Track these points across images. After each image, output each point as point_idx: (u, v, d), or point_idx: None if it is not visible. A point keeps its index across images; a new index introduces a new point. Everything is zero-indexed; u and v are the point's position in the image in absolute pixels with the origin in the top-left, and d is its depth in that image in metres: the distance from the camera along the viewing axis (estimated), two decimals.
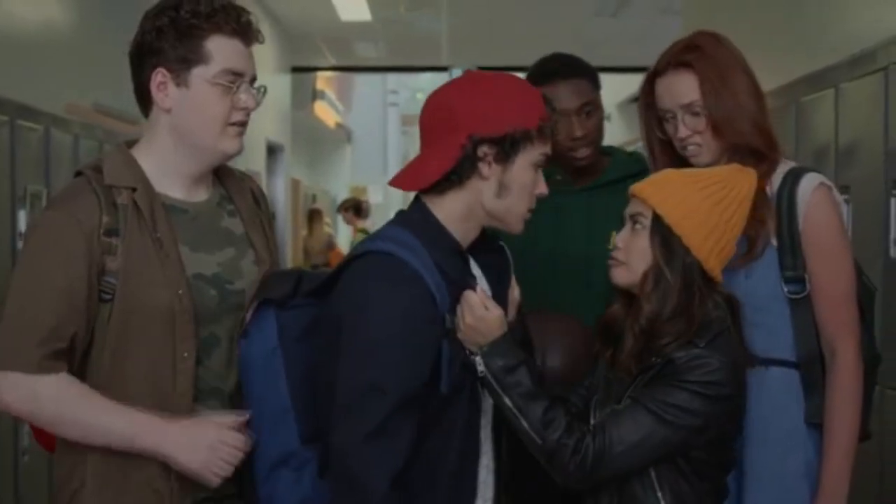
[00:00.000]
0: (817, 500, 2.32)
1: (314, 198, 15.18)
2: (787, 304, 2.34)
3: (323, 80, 14.33)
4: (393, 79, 21.36)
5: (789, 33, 5.05)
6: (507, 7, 9.37)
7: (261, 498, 2.08)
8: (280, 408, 2.06)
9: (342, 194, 17.12)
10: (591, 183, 2.78)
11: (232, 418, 2.08)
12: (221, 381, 2.16)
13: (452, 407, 2.02)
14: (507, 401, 2.02)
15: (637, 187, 2.14)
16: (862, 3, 4.28)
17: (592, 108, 2.75)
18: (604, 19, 9.37)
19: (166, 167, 2.16)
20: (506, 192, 2.05)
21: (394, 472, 1.93)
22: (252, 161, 8.51)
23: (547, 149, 2.07)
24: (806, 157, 4.08)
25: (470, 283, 2.06)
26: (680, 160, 2.39)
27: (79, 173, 2.15)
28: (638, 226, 2.11)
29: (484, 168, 2.02)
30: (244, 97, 2.15)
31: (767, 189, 2.34)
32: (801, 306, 2.34)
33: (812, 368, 2.34)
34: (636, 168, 2.68)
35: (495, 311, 2.03)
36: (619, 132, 11.35)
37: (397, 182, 2.09)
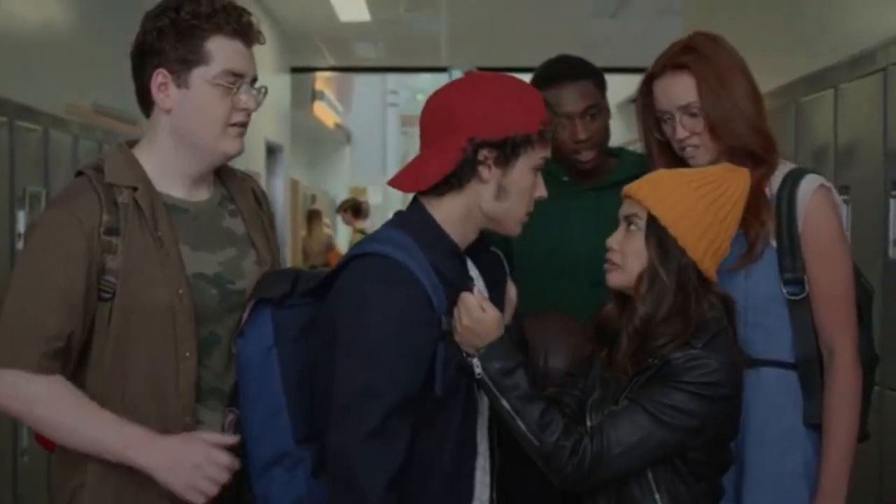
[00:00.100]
0: (816, 500, 2.32)
1: (313, 198, 15.18)
2: (786, 306, 2.34)
3: (322, 80, 14.33)
4: (392, 79, 21.37)
5: (789, 34, 5.05)
6: (506, 8, 9.38)
7: (255, 497, 2.08)
8: (275, 407, 2.05)
9: (341, 195, 17.11)
10: (597, 183, 2.78)
11: (220, 437, 2.08)
12: (221, 380, 2.16)
13: (447, 409, 2.02)
14: (505, 403, 2.02)
15: (632, 188, 2.13)
16: (862, 3, 4.29)
17: (597, 111, 2.75)
18: (603, 20, 9.37)
19: (167, 167, 2.17)
20: (505, 196, 2.05)
21: (391, 473, 1.93)
22: (251, 161, 8.51)
23: (547, 152, 2.07)
24: (805, 158, 4.08)
25: (467, 285, 2.06)
26: (678, 161, 2.40)
27: (80, 173, 2.16)
28: (633, 227, 2.11)
29: (484, 171, 2.02)
30: (245, 98, 2.15)
31: (767, 190, 2.34)
32: (800, 308, 2.34)
33: (811, 370, 2.35)
34: (644, 169, 2.68)
35: (492, 312, 2.03)
36: (618, 132, 11.23)
37: (396, 183, 2.09)
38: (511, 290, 2.20)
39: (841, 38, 4.28)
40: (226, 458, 2.05)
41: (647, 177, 2.16)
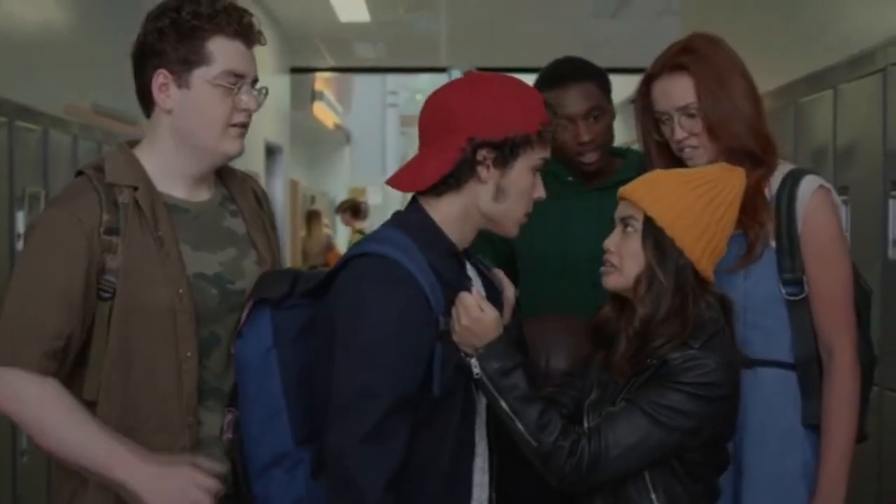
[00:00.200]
0: (814, 501, 2.32)
1: (313, 199, 15.17)
2: (785, 306, 2.34)
3: (322, 80, 14.33)
4: (392, 80, 21.38)
5: (788, 34, 5.05)
6: (506, 8, 9.38)
7: (254, 497, 2.08)
8: (274, 408, 2.05)
9: (341, 195, 17.11)
10: (601, 184, 2.77)
11: (207, 463, 2.06)
12: (220, 381, 2.16)
13: (445, 409, 2.01)
14: (503, 403, 2.01)
15: (627, 190, 2.13)
16: (861, 3, 4.29)
17: (600, 113, 2.75)
18: (603, 20, 9.37)
19: (168, 167, 2.17)
20: (503, 196, 2.04)
21: (389, 473, 1.93)
22: (250, 162, 8.51)
23: (546, 153, 2.07)
24: (804, 158, 4.08)
25: (465, 285, 2.05)
26: (677, 162, 2.39)
27: (80, 172, 2.16)
28: (629, 229, 2.10)
29: (482, 171, 2.02)
30: (245, 98, 2.15)
31: (766, 191, 2.35)
32: (799, 308, 2.34)
33: (809, 370, 2.35)
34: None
35: (491, 312, 2.02)
36: (617, 133, 11.33)
37: (394, 182, 2.09)
38: (509, 290, 2.20)
39: (840, 39, 4.28)
40: (211, 483, 2.04)
41: (642, 178, 2.15)
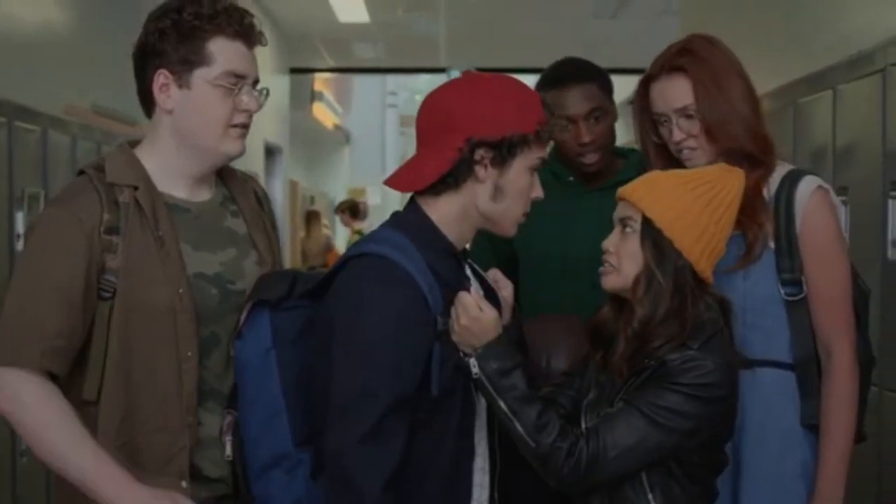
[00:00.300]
0: (813, 502, 2.32)
1: (312, 199, 15.16)
2: (783, 307, 2.34)
3: (321, 81, 14.32)
4: (391, 80, 21.36)
5: (787, 34, 5.05)
6: (505, 9, 9.37)
7: (253, 498, 2.08)
8: (273, 409, 2.05)
9: (340, 196, 17.10)
10: (602, 184, 2.77)
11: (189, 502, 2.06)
12: (220, 382, 2.16)
13: (444, 409, 2.01)
14: (502, 404, 2.01)
15: (626, 191, 2.13)
16: (860, 4, 4.29)
17: (601, 114, 2.75)
18: (602, 21, 9.37)
19: (169, 168, 2.17)
20: (501, 196, 2.05)
21: (388, 473, 1.93)
22: (250, 162, 8.50)
23: (544, 153, 2.07)
24: (804, 159, 4.08)
25: (464, 285, 2.06)
26: (675, 163, 2.39)
27: (81, 172, 2.16)
28: (628, 229, 2.10)
29: (480, 171, 2.02)
30: (246, 99, 2.15)
31: (765, 192, 2.35)
32: (798, 309, 2.34)
33: (808, 370, 2.35)
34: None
35: (490, 312, 2.02)
36: (616, 133, 11.33)
37: (393, 182, 2.09)
38: (507, 290, 2.20)
39: (839, 39, 4.29)
40: None
41: (641, 178, 2.15)
